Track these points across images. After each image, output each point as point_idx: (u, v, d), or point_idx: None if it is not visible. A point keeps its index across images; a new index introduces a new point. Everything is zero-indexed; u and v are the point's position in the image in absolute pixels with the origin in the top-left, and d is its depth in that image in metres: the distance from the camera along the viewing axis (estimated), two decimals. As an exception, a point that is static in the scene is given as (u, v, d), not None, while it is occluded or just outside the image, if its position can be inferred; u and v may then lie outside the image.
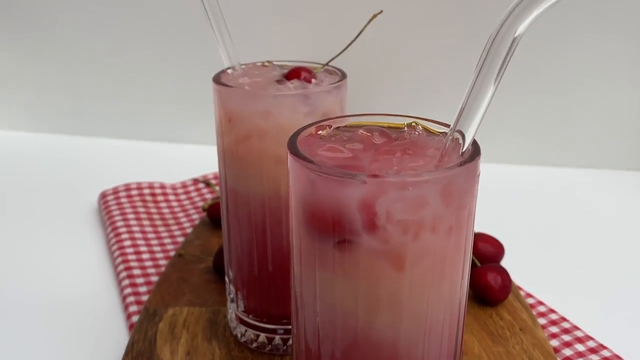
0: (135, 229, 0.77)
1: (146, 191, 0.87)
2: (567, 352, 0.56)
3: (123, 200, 0.84)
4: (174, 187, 0.89)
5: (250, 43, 0.79)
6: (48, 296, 0.65)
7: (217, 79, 0.48)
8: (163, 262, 0.71)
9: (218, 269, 0.63)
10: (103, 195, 0.85)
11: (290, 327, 0.53)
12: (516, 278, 0.65)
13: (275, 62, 0.53)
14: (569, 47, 0.90)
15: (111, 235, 0.76)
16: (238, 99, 0.46)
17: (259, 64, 0.53)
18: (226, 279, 0.56)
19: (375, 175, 0.31)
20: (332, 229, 0.32)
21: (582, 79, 0.92)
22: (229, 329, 0.57)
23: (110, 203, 0.83)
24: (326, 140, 0.37)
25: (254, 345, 0.54)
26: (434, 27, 0.92)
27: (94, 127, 1.08)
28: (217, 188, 0.85)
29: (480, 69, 0.31)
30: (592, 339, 0.58)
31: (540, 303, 0.63)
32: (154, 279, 0.68)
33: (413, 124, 0.38)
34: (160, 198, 0.86)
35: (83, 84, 1.05)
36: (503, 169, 0.97)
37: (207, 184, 0.82)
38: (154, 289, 0.63)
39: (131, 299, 0.64)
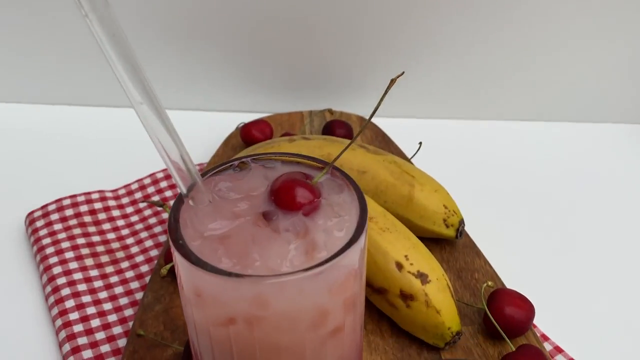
0: (77, 276, 0.63)
1: (83, 208, 0.71)
2: None
3: (56, 226, 0.68)
4: (117, 197, 0.73)
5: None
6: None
7: (175, 235, 0.32)
8: (118, 330, 0.58)
9: (191, 366, 0.51)
10: (31, 221, 0.69)
11: None
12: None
13: (250, 160, 0.37)
14: None
15: (49, 289, 0.62)
16: (209, 281, 0.31)
17: (227, 167, 0.37)
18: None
19: None
20: None
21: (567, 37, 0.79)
22: None
23: (42, 233, 0.68)
24: None
25: None
26: None
27: None
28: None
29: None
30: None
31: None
32: (111, 363, 0.55)
33: None
34: (102, 216, 0.71)
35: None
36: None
37: (160, 206, 0.66)
38: (114, 400, 0.51)
39: (86, 404, 0.52)
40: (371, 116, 0.37)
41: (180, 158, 0.33)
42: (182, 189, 0.34)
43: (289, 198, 0.34)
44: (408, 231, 0.58)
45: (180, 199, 0.35)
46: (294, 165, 0.38)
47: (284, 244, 0.32)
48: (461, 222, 0.63)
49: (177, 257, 0.32)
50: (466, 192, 0.69)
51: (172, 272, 0.60)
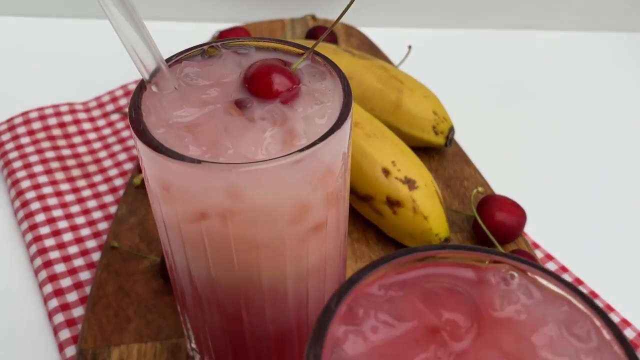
0: (47, 190, 0.60)
1: (52, 121, 0.67)
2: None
3: (24, 140, 0.64)
4: (87, 109, 0.69)
5: None
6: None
7: (137, 123, 0.29)
8: (91, 243, 0.56)
9: (167, 278, 0.49)
10: (-4, 134, 0.65)
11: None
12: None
13: (221, 45, 0.33)
14: None
15: (17, 203, 0.59)
16: (178, 171, 0.28)
17: (197, 51, 0.33)
18: (184, 331, 0.42)
19: None
20: None
21: None
22: (197, 380, 0.44)
23: (8, 147, 0.64)
24: (365, 346, 0.21)
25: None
26: None
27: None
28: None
29: None
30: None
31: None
32: (84, 276, 0.53)
33: (502, 269, 0.22)
34: (72, 129, 0.67)
35: None
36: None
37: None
38: (88, 313, 0.48)
39: (59, 318, 0.50)
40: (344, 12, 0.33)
41: (140, 37, 0.29)
42: (144, 74, 0.31)
43: (265, 85, 0.31)
44: (396, 137, 0.54)
45: (142, 86, 0.31)
46: (270, 52, 0.34)
47: (259, 132, 0.29)
48: (451, 130, 0.60)
49: (140, 146, 0.28)
50: (456, 100, 0.66)
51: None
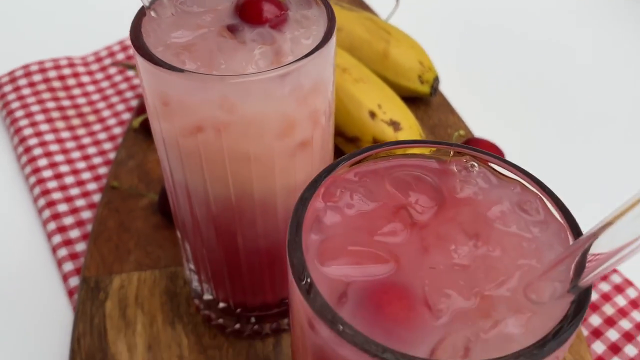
0: (49, 137, 0.62)
1: (51, 73, 0.69)
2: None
3: (25, 91, 0.67)
4: (85, 63, 0.71)
5: None
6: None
7: (137, 42, 0.32)
8: (92, 186, 0.58)
9: (166, 212, 0.51)
10: (-2, 86, 0.67)
11: (272, 312, 0.44)
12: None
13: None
14: None
15: (20, 149, 0.61)
16: (175, 83, 0.30)
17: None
18: (182, 255, 0.45)
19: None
20: None
21: None
22: (193, 304, 0.47)
23: (10, 97, 0.66)
24: (341, 218, 0.24)
25: (229, 329, 0.45)
26: None
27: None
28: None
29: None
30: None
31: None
32: (85, 215, 0.56)
33: (464, 160, 0.25)
34: (71, 82, 0.69)
35: None
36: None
37: (130, 67, 0.65)
38: (90, 245, 0.51)
39: (63, 251, 0.53)
40: None
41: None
42: (144, 0, 0.33)
43: (255, 12, 0.33)
44: (382, 83, 0.57)
45: (141, 12, 0.34)
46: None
47: (249, 51, 0.32)
48: (436, 79, 0.62)
49: (140, 63, 0.31)
50: (442, 53, 0.68)
51: (145, 126, 0.59)
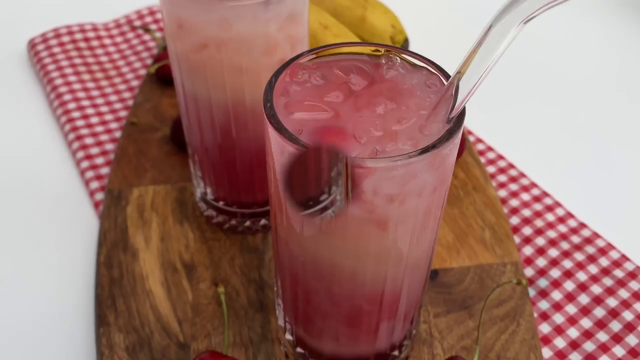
0: (77, 86, 0.73)
1: (78, 36, 0.80)
2: (514, 202, 0.61)
3: (55, 49, 0.78)
4: (107, 28, 0.83)
5: None
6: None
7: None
8: (114, 125, 0.70)
9: (177, 142, 0.63)
10: (32, 45, 0.79)
11: (261, 209, 0.55)
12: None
13: None
14: None
15: (52, 95, 0.73)
16: (188, 7, 0.41)
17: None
18: (191, 165, 0.56)
19: (361, 167, 0.30)
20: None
21: None
22: (198, 209, 0.58)
23: (43, 54, 0.78)
24: (301, 88, 0.35)
25: (226, 226, 0.56)
26: None
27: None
28: (158, 35, 0.80)
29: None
30: (536, 186, 0.63)
31: (490, 149, 0.66)
32: (109, 147, 0.67)
33: (391, 55, 0.36)
34: (94, 43, 0.80)
35: None
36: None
37: (146, 30, 0.76)
38: (114, 166, 0.62)
39: (90, 174, 0.64)
40: None
41: None
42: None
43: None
44: (357, 38, 0.68)
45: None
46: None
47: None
48: (406, 40, 0.73)
49: (162, -6, 0.42)
50: (412, 18, 0.79)
51: (159, 74, 0.70)
